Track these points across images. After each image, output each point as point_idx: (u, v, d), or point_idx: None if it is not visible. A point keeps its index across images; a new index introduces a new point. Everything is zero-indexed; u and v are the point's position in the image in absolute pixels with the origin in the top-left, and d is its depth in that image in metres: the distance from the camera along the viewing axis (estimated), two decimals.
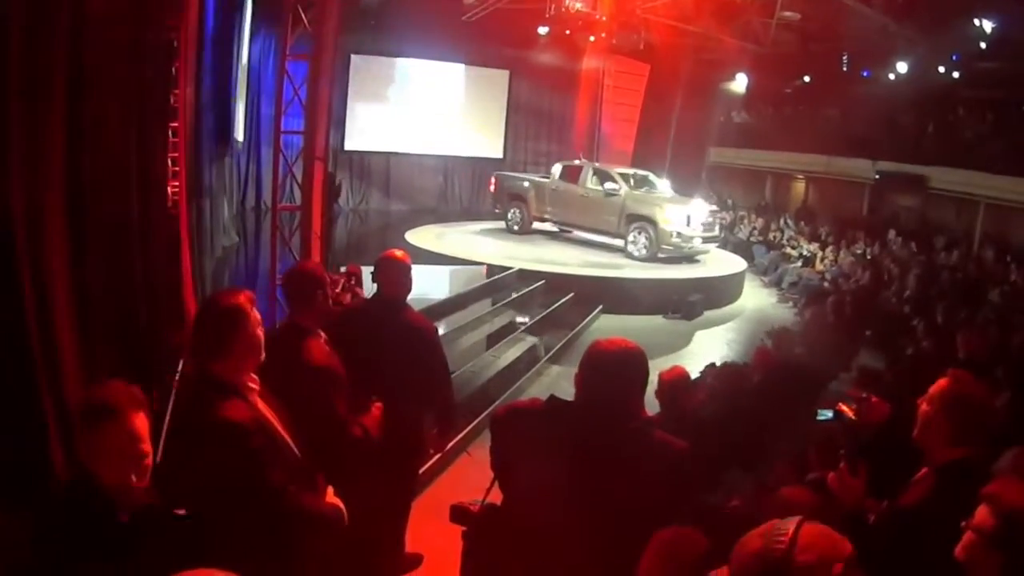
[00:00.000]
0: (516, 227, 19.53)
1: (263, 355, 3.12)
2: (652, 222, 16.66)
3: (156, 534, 2.58)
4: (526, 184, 19.54)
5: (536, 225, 19.40)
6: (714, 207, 18.24)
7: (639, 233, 16.90)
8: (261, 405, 3.12)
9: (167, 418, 4.86)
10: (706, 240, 17.13)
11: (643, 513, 2.65)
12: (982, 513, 2.32)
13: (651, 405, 5.31)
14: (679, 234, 16.48)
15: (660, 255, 16.64)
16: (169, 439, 3.28)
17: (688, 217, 16.66)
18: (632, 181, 18.09)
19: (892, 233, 19.65)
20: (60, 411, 3.73)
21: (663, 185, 18.73)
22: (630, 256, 16.93)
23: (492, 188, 20.46)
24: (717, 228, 17.89)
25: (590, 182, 18.04)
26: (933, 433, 3.09)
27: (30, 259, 3.76)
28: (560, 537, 2.69)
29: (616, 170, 18.38)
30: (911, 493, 3.08)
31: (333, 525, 3.23)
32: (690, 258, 17.20)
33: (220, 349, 3.01)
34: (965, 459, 2.96)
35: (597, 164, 19.08)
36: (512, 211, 19.63)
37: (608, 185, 17.73)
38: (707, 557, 2.49)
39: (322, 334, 4.25)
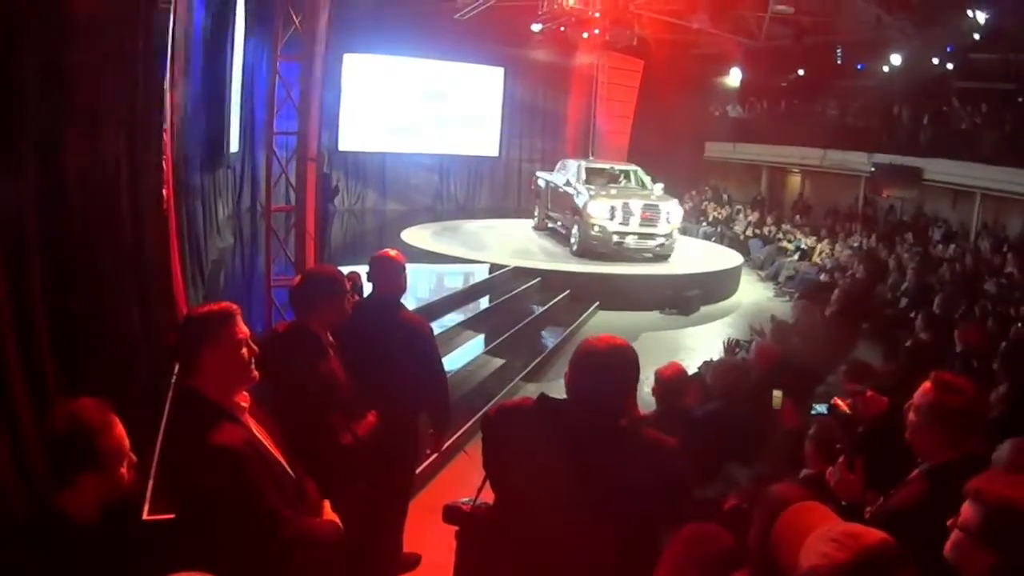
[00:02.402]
0: (535, 224, 19.87)
1: (254, 375, 3.01)
2: (579, 215, 16.47)
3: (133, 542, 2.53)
4: (543, 182, 19.63)
5: None
6: (661, 202, 16.64)
7: (576, 227, 16.68)
8: (252, 423, 3.04)
9: (161, 429, 4.84)
10: (643, 237, 16.23)
11: (634, 510, 2.65)
12: (967, 510, 2.25)
13: (648, 402, 5.33)
14: (601, 228, 16.01)
15: (600, 249, 16.10)
16: (163, 457, 3.22)
17: (613, 210, 16.03)
18: (621, 176, 18.08)
19: (888, 226, 19.68)
20: (43, 418, 3.67)
21: (647, 180, 18.33)
22: (570, 251, 16.74)
23: (532, 187, 20.67)
24: (664, 225, 16.39)
25: (569, 177, 17.96)
26: (923, 441, 3.10)
27: (15, 262, 3.73)
28: (552, 536, 2.67)
29: (587, 164, 18.40)
30: (901, 495, 3.06)
31: (330, 544, 3.18)
32: (662, 257, 16.56)
33: (193, 366, 2.91)
34: (957, 460, 2.96)
35: (582, 160, 18.98)
36: (536, 209, 19.99)
37: (571, 179, 17.69)
38: (732, 554, 2.48)
39: (329, 338, 4.25)
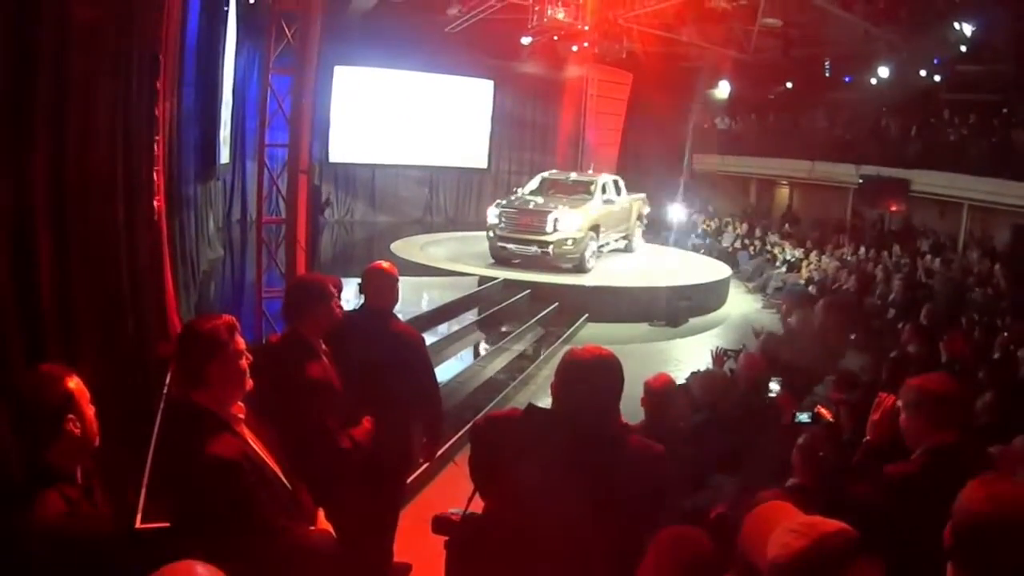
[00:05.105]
0: None
1: (248, 384, 3.05)
2: None
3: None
4: None
5: None
6: (550, 211, 16.01)
7: None
8: (248, 433, 3.07)
9: (154, 438, 4.86)
10: (528, 243, 15.92)
11: (622, 517, 2.69)
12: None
13: (637, 413, 5.36)
14: (493, 234, 16.34)
15: (499, 255, 16.46)
16: (156, 467, 3.26)
17: (501, 217, 16.22)
18: (589, 186, 17.66)
19: (876, 237, 19.77)
20: None
21: (600, 189, 17.61)
22: None
23: None
24: (552, 234, 15.71)
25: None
26: (912, 433, 3.28)
27: (15, 270, 3.76)
28: (541, 544, 2.70)
29: (545, 175, 18.53)
30: (902, 467, 3.23)
31: (323, 553, 3.19)
32: (580, 270, 16.09)
33: (199, 379, 2.93)
34: (953, 443, 3.17)
35: (545, 172, 19.10)
36: None
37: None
38: (711, 558, 2.53)
39: (323, 345, 4.29)
